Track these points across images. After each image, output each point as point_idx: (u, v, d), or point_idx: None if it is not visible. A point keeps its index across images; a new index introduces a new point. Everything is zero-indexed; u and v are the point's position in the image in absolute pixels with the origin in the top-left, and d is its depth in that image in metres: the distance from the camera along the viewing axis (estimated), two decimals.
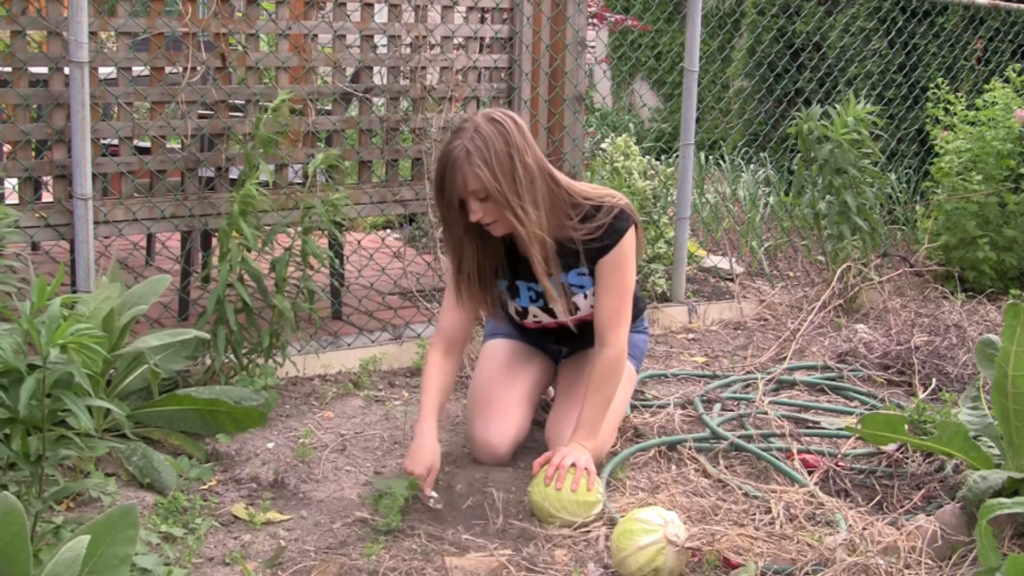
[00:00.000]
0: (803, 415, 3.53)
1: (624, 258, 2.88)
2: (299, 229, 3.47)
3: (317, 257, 3.43)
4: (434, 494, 2.77)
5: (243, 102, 3.85)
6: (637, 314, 3.23)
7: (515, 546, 2.60)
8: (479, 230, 2.83)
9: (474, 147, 2.67)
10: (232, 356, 3.39)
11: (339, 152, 3.67)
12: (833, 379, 3.93)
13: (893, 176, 6.37)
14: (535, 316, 3.05)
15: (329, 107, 4.05)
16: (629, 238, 2.88)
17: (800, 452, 3.13)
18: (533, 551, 2.57)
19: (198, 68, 3.65)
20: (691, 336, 4.52)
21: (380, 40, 4.13)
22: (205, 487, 2.88)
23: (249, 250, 3.34)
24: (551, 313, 3.03)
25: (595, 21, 7.47)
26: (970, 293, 5.16)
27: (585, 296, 2.95)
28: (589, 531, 2.68)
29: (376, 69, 4.22)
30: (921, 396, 3.63)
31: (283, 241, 3.54)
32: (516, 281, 3.00)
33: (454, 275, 2.95)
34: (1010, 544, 2.57)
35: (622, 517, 2.59)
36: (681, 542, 2.44)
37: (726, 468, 3.09)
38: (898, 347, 4.07)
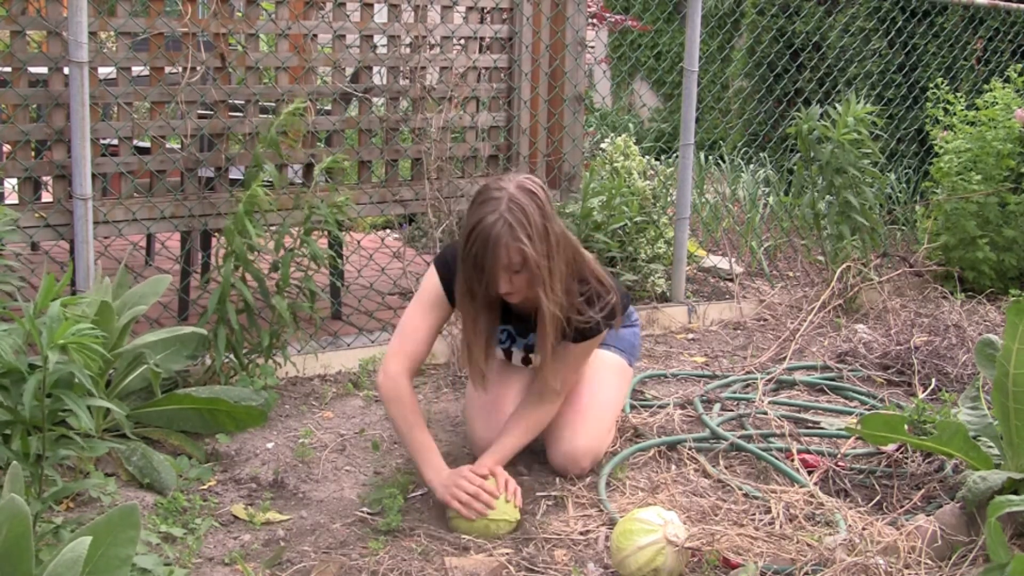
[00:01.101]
0: (803, 415, 3.54)
1: (593, 348, 2.94)
2: (301, 230, 3.48)
3: (319, 258, 3.43)
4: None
5: (243, 102, 3.85)
6: (623, 308, 3.23)
7: (515, 546, 2.60)
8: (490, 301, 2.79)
9: (515, 220, 2.57)
10: (232, 356, 3.39)
11: (344, 156, 3.67)
12: (832, 379, 3.93)
13: (893, 176, 6.37)
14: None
15: (329, 107, 4.05)
16: (603, 334, 2.91)
17: (800, 452, 3.13)
18: (533, 551, 2.57)
19: (198, 68, 3.65)
20: (691, 336, 4.52)
21: (380, 40, 4.13)
22: (205, 487, 2.88)
23: (254, 250, 3.34)
24: (508, 355, 3.07)
25: (595, 21, 7.47)
26: (970, 293, 5.16)
27: None
28: (589, 531, 2.68)
29: (376, 69, 4.22)
30: (921, 396, 3.63)
31: (284, 241, 3.54)
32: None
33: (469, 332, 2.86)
34: (1010, 543, 2.57)
35: (622, 517, 2.59)
36: (681, 542, 2.44)
37: (726, 468, 3.10)
38: (898, 347, 4.07)
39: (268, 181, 3.77)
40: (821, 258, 5.18)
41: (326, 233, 3.78)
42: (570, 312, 2.79)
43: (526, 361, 3.06)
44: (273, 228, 3.60)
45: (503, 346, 3.05)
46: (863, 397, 3.73)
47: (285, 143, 3.80)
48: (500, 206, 2.58)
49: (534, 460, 3.05)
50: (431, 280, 2.91)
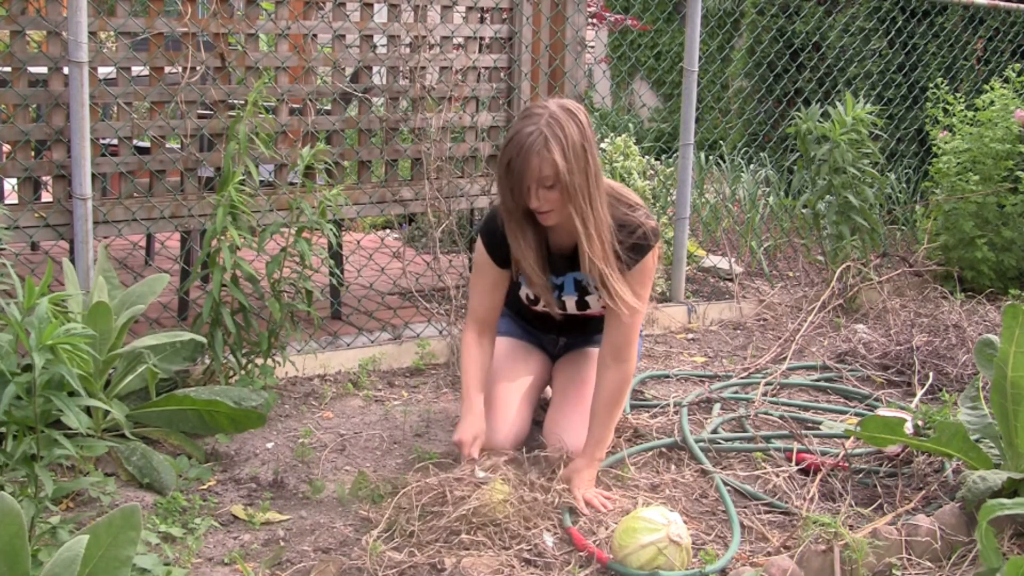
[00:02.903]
0: (803, 415, 3.53)
1: (646, 277, 2.90)
2: (293, 230, 3.46)
3: (306, 256, 3.40)
4: (479, 466, 2.78)
5: (243, 102, 3.84)
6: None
7: (515, 545, 2.60)
8: (532, 217, 2.82)
9: (551, 134, 2.65)
10: (231, 356, 3.38)
11: (324, 147, 3.64)
12: (832, 380, 3.93)
13: (893, 176, 6.37)
14: (546, 306, 3.09)
15: (328, 107, 4.05)
16: (652, 257, 2.90)
17: (800, 452, 3.13)
18: (533, 551, 2.57)
19: (197, 68, 3.64)
20: (691, 336, 4.52)
21: (379, 40, 4.13)
22: (204, 487, 2.88)
23: (239, 248, 3.33)
24: (562, 305, 3.06)
25: (594, 21, 7.47)
26: (969, 293, 5.16)
27: (599, 298, 2.95)
28: (591, 529, 2.68)
29: (375, 69, 4.21)
30: (920, 396, 3.63)
31: (280, 241, 3.53)
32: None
33: (526, 256, 2.90)
34: (1010, 543, 2.57)
35: (624, 516, 2.58)
36: (683, 542, 2.44)
37: (725, 469, 3.09)
38: (897, 347, 4.06)
39: (268, 180, 3.77)
40: (821, 258, 5.18)
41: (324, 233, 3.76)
42: (614, 241, 2.81)
43: (581, 305, 3.05)
44: (263, 229, 3.58)
45: (552, 295, 3.04)
46: (863, 397, 3.73)
47: (288, 142, 3.79)
48: (540, 121, 2.67)
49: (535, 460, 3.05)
50: (478, 246, 3.02)
